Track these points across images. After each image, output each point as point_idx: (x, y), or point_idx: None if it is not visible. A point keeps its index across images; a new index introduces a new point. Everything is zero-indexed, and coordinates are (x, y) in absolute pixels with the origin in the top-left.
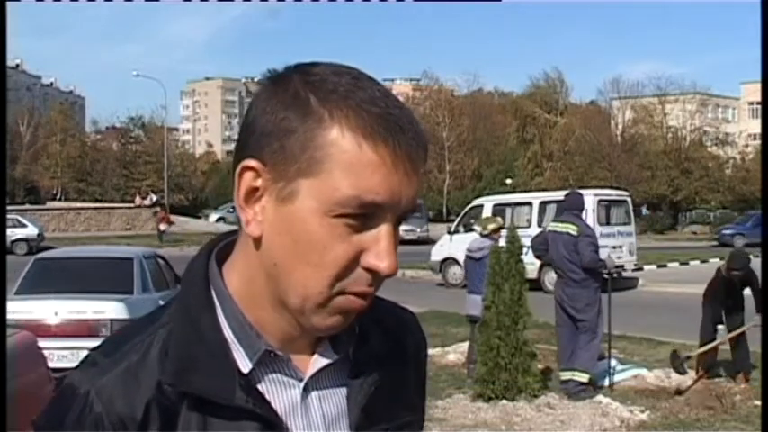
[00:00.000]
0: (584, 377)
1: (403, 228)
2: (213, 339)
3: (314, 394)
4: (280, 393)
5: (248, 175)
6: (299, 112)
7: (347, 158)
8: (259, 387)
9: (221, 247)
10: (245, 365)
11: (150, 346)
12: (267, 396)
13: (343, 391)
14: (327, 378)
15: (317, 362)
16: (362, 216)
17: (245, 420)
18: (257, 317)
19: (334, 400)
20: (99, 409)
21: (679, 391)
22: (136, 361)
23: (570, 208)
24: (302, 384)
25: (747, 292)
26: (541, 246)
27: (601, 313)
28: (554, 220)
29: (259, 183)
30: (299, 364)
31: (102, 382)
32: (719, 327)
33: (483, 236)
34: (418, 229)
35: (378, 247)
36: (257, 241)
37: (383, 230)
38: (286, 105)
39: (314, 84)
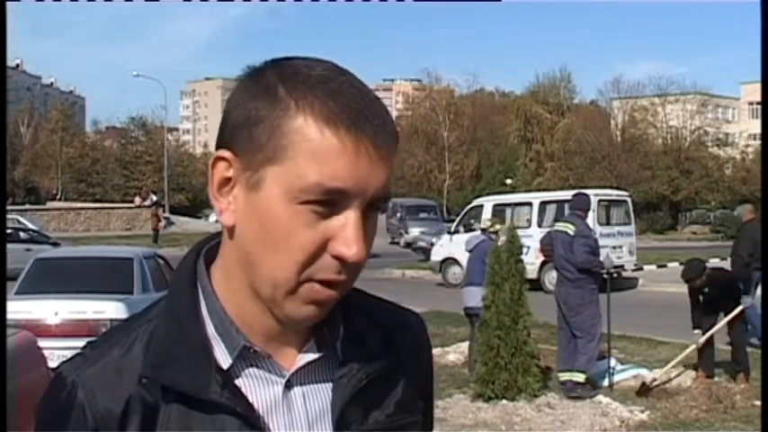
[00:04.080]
0: (580, 377)
1: (420, 230)
2: (194, 335)
3: (297, 391)
4: (260, 389)
5: (221, 166)
6: (267, 101)
7: (311, 146)
8: (238, 383)
9: (212, 246)
10: (225, 361)
11: (134, 342)
12: (246, 392)
13: (329, 387)
14: (313, 375)
15: (302, 359)
16: (328, 203)
17: (222, 415)
18: (242, 313)
19: (318, 397)
20: (82, 399)
21: (651, 385)
22: (119, 355)
23: (573, 208)
24: (284, 381)
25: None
26: (548, 246)
27: (599, 316)
28: (558, 220)
29: (231, 173)
30: (284, 361)
31: (86, 374)
32: (695, 332)
33: (482, 230)
34: (434, 231)
35: (344, 233)
36: (231, 230)
37: (350, 217)
38: (256, 96)
39: (285, 75)
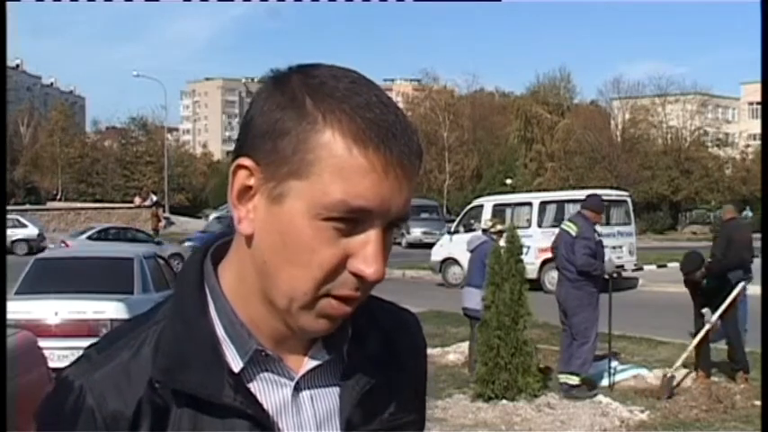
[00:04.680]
0: (574, 380)
1: (421, 230)
2: (204, 337)
3: (306, 394)
4: (270, 392)
5: (242, 174)
6: (294, 113)
7: (337, 162)
8: (250, 386)
9: (218, 246)
10: (236, 364)
11: (143, 344)
12: (257, 395)
13: (336, 390)
14: (320, 378)
15: (310, 362)
16: (351, 221)
17: (234, 418)
18: (250, 315)
19: (326, 400)
20: (91, 404)
21: (669, 393)
22: (128, 358)
23: (583, 207)
24: (293, 384)
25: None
26: (556, 246)
27: (595, 320)
28: (568, 219)
29: (252, 181)
30: (292, 363)
31: (94, 378)
32: (705, 310)
33: (483, 231)
34: (437, 232)
35: (365, 252)
36: (249, 239)
37: (371, 236)
38: (282, 106)
39: (312, 86)
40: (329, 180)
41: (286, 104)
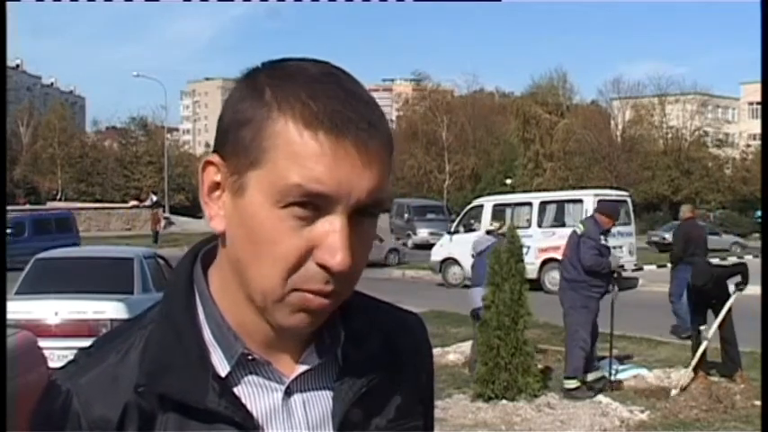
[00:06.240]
0: (571, 384)
1: (428, 230)
2: (191, 342)
3: (297, 398)
4: (259, 397)
5: (210, 170)
6: (253, 104)
7: (291, 149)
8: (237, 391)
9: (209, 248)
10: (222, 369)
11: (131, 348)
12: (244, 400)
13: (330, 394)
14: (314, 382)
15: (302, 365)
16: (311, 208)
17: (220, 424)
18: (239, 319)
19: (319, 404)
20: (77, 408)
21: (669, 390)
22: (115, 362)
23: (595, 211)
24: (284, 388)
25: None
26: None
27: (587, 324)
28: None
29: (219, 177)
30: (284, 368)
31: (80, 382)
32: (702, 328)
33: (487, 232)
34: (444, 232)
35: (328, 241)
36: (222, 237)
37: (335, 224)
38: (244, 98)
39: (275, 77)
40: (284, 166)
41: (248, 96)
